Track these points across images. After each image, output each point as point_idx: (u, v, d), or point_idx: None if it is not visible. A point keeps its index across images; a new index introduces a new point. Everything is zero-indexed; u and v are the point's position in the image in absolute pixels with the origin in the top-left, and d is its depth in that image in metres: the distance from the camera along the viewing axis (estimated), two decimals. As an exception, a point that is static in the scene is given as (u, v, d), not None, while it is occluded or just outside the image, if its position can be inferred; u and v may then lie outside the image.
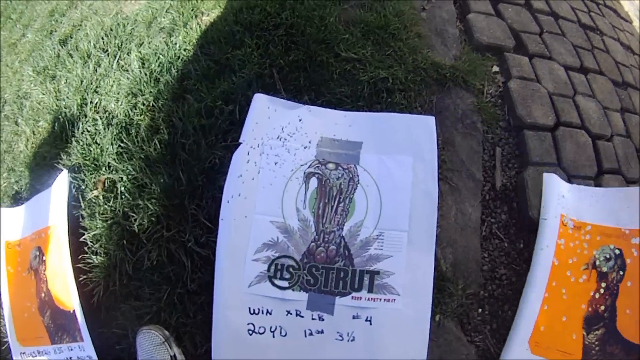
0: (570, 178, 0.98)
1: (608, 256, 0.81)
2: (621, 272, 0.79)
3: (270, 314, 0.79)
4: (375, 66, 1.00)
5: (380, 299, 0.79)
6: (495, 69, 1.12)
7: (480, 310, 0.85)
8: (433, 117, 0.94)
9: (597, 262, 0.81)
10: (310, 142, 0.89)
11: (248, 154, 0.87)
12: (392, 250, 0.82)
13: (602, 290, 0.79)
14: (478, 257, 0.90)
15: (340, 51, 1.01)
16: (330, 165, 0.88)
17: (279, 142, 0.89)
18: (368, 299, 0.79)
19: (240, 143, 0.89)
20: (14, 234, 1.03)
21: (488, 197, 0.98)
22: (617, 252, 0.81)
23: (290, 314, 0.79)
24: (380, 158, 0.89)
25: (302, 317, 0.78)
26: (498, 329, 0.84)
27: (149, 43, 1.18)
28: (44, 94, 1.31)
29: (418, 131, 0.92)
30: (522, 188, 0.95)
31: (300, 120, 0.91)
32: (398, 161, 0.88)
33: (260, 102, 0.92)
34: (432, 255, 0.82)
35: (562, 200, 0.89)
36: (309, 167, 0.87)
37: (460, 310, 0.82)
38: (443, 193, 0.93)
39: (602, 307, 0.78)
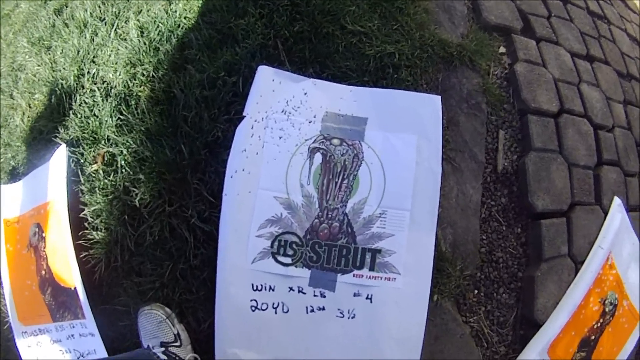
0: (570, 166, 0.92)
1: (612, 301, 0.89)
2: (611, 318, 0.89)
3: (273, 290, 0.72)
4: (382, 40, 0.90)
5: (381, 278, 0.73)
6: (502, 50, 1.01)
7: (476, 291, 0.81)
8: (439, 97, 0.84)
9: (606, 302, 0.88)
10: (315, 117, 0.80)
11: (252, 128, 0.78)
12: (394, 229, 0.75)
13: (599, 324, 0.87)
14: (477, 239, 0.84)
15: (347, 23, 0.90)
16: (335, 141, 0.79)
17: (283, 115, 0.80)
18: (369, 277, 0.73)
19: (244, 116, 0.79)
20: (12, 210, 0.94)
21: (489, 180, 0.90)
22: (616, 302, 0.90)
23: (293, 290, 0.72)
24: (385, 135, 0.80)
25: (304, 293, 0.72)
26: (492, 311, 0.80)
27: (148, 11, 1.04)
28: (39, 66, 1.18)
29: (423, 110, 0.83)
30: (523, 173, 0.88)
31: (305, 93, 0.81)
32: (402, 139, 0.80)
33: (265, 75, 0.82)
34: (433, 235, 0.75)
35: (616, 237, 0.91)
36: (313, 142, 0.78)
37: (457, 291, 0.77)
38: (445, 173, 0.85)
39: (592, 337, 0.86)
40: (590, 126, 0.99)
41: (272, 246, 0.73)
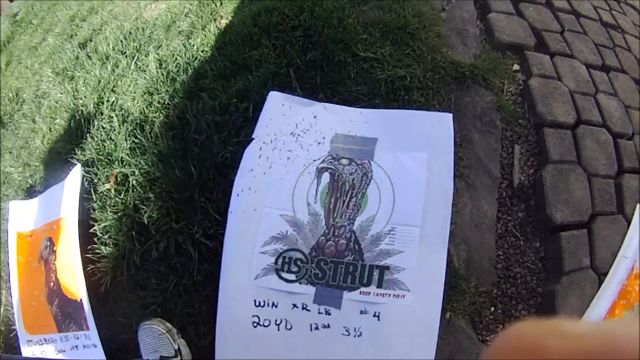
0: (589, 176, 1.10)
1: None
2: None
3: (276, 306, 0.91)
4: (393, 65, 1.19)
5: (390, 295, 0.90)
6: (516, 67, 1.28)
7: (492, 308, 0.95)
8: (450, 115, 1.08)
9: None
10: (324, 138, 1.06)
11: (260, 149, 1.05)
12: (403, 246, 0.93)
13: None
14: (492, 255, 1.01)
15: (359, 51, 1.20)
16: (344, 161, 1.03)
17: (292, 137, 1.07)
18: (377, 294, 0.90)
19: (253, 139, 1.07)
20: (26, 225, 1.25)
21: (505, 195, 1.10)
22: None
23: (297, 307, 0.91)
24: (395, 155, 1.04)
25: (309, 310, 0.91)
26: (511, 329, 0.93)
27: (167, 45, 1.43)
28: (62, 94, 1.58)
29: (435, 128, 1.07)
30: (541, 185, 1.07)
31: (315, 117, 1.09)
32: (413, 157, 1.03)
33: (275, 99, 1.11)
34: (444, 252, 0.92)
35: None
36: (322, 162, 1.03)
37: (472, 308, 0.93)
38: (459, 190, 1.06)
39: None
40: (609, 135, 1.19)
41: (276, 262, 0.94)
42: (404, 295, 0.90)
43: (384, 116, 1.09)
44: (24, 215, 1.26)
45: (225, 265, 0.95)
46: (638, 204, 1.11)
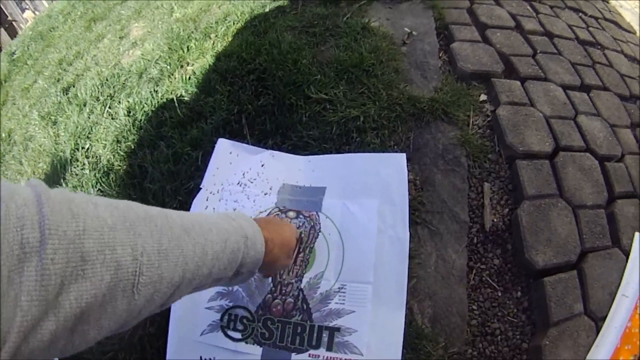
0: (574, 209, 0.93)
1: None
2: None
3: (222, 365, 0.83)
4: (347, 105, 1.07)
5: (340, 359, 0.80)
6: (483, 97, 1.13)
7: (467, 372, 0.83)
8: (403, 154, 0.96)
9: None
10: (271, 189, 0.96)
11: (207, 200, 0.96)
12: (354, 305, 0.83)
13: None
14: (464, 310, 0.89)
15: (311, 93, 1.10)
16: (291, 214, 0.93)
17: (239, 187, 0.97)
18: (326, 358, 0.81)
19: (200, 189, 0.98)
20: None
21: (476, 241, 0.96)
22: None
23: (243, 368, 0.82)
24: (343, 203, 0.93)
25: (255, 372, 0.82)
26: (489, 395, 0.81)
27: (137, 93, 1.37)
28: (45, 138, 1.54)
29: (386, 171, 0.94)
30: (517, 226, 0.92)
31: (262, 165, 0.99)
32: (362, 205, 0.91)
33: (223, 147, 1.02)
34: (402, 310, 0.82)
35: None
36: (268, 214, 0.94)
37: (440, 373, 0.81)
38: (421, 238, 0.93)
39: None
40: (595, 160, 1.02)
41: (221, 319, 0.86)
42: (355, 361, 0.80)
43: (332, 162, 0.98)
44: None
45: (172, 319, 0.88)
46: (637, 233, 0.93)
